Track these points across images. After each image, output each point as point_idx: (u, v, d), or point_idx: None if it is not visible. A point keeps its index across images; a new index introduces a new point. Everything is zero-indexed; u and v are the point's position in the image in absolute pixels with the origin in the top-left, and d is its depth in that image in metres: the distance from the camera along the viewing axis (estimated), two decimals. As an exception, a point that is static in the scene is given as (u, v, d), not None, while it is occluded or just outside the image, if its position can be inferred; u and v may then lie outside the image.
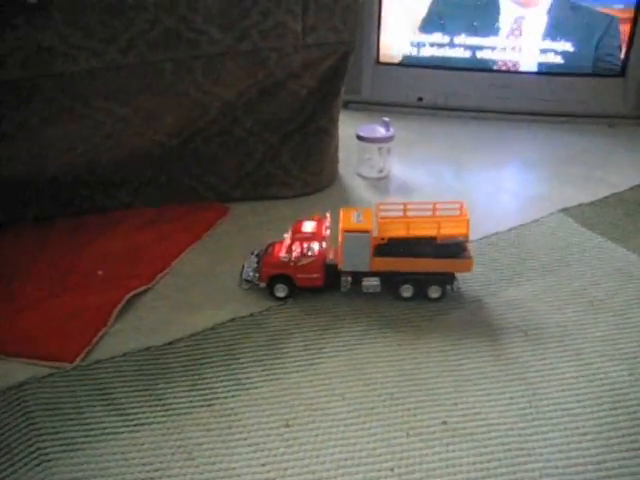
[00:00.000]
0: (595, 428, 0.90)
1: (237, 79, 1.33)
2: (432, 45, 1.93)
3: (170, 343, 1.05)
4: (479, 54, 1.92)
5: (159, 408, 0.93)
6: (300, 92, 1.40)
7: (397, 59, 1.96)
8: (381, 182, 1.59)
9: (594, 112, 1.97)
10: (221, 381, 0.97)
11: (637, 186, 1.60)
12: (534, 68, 1.94)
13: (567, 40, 1.90)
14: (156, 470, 0.83)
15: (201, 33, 1.25)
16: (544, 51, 1.91)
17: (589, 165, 1.72)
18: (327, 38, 1.36)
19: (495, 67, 1.94)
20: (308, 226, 1.16)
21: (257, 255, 1.20)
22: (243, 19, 1.27)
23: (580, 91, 1.95)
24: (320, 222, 1.17)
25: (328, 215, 1.19)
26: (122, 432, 0.88)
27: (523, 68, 1.94)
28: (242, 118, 1.38)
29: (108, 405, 0.93)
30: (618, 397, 0.96)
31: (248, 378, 0.98)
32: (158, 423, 0.90)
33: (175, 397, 0.94)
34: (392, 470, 0.83)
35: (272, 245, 1.19)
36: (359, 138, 1.56)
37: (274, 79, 1.36)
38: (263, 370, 0.99)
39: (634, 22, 1.86)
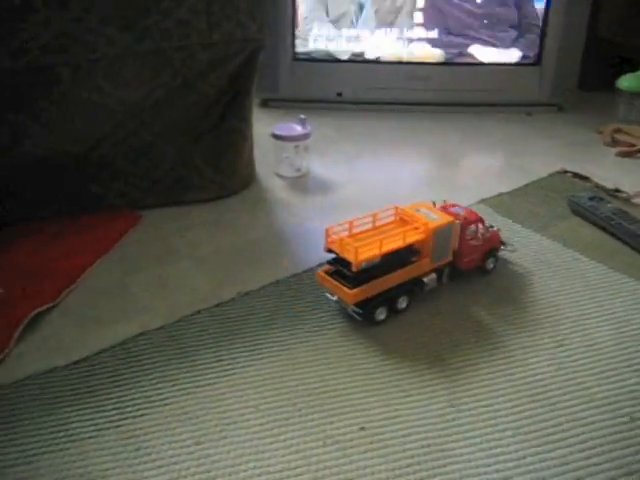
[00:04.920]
0: (514, 423, 0.89)
1: (141, 81, 1.27)
2: (349, 40, 1.90)
3: (76, 363, 0.99)
4: (394, 47, 1.91)
5: (62, 434, 0.87)
6: (209, 92, 1.35)
7: (314, 55, 1.92)
8: (300, 181, 1.56)
9: (512, 101, 1.99)
10: (130, 400, 0.92)
11: (555, 172, 1.60)
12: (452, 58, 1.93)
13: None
14: (56, 502, 0.78)
15: (98, 34, 1.19)
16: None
17: (508, 154, 1.72)
18: (234, 35, 1.32)
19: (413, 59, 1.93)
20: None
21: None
22: (142, 18, 1.22)
23: (498, 80, 1.95)
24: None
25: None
26: (19, 464, 0.82)
27: (440, 59, 1.93)
28: (150, 121, 1.33)
29: (6, 436, 0.87)
30: (537, 389, 0.94)
31: (158, 395, 0.93)
32: (60, 450, 0.84)
33: (80, 421, 0.89)
34: (308, 483, 0.80)
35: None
36: (275, 137, 1.52)
37: (181, 79, 1.31)
38: (174, 385, 0.94)
39: (547, 8, 1.88)
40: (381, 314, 1.07)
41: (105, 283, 1.18)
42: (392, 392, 0.93)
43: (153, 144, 1.35)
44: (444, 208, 1.18)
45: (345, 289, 1.04)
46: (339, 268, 1.06)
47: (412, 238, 1.08)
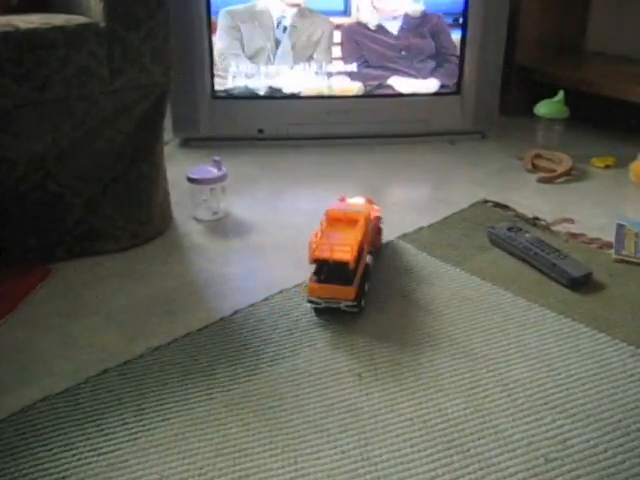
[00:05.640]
0: (429, 473, 0.86)
1: (43, 131, 1.23)
2: (268, 76, 1.88)
3: (-29, 435, 0.94)
4: (313, 81, 1.90)
5: (-50, 518, 0.82)
6: (117, 139, 1.32)
7: (233, 92, 1.90)
8: (218, 224, 1.52)
9: (435, 130, 1.99)
10: (25, 475, 0.87)
11: (477, 203, 1.60)
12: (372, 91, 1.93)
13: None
14: None
15: (-9, 86, 1.15)
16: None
17: (431, 185, 1.72)
18: (138, 80, 1.29)
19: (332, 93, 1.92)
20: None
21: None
22: (40, 67, 1.18)
23: (419, 110, 1.95)
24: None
25: None
26: None
27: (360, 92, 1.93)
28: (55, 171, 1.28)
29: None
30: (452, 435, 0.92)
31: (56, 467, 0.88)
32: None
33: (-29, 501, 0.84)
34: None
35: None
36: (190, 180, 1.49)
37: (86, 127, 1.27)
38: (74, 455, 0.90)
39: (463, 38, 1.89)
40: (363, 300, 1.17)
41: (9, 344, 1.13)
42: (301, 448, 0.90)
43: (60, 195, 1.31)
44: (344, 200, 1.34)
45: (345, 288, 1.13)
46: (328, 273, 1.14)
47: (365, 229, 1.20)
